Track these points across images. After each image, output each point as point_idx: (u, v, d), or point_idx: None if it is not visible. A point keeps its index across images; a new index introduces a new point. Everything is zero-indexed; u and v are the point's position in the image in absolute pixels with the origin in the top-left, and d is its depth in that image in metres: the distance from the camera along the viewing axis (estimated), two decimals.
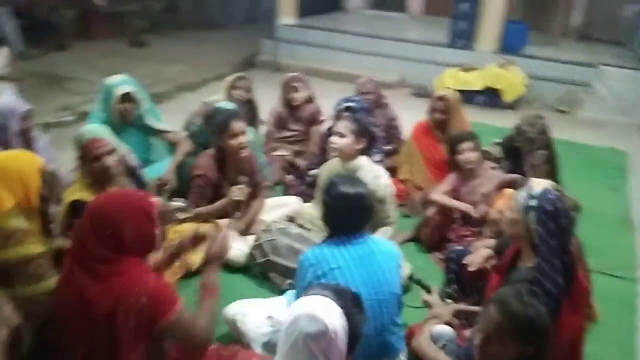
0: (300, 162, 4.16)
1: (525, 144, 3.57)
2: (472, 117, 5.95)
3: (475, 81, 6.99)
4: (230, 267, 3.04)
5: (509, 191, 3.05)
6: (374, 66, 7.79)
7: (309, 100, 4.33)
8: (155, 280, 1.88)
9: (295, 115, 4.31)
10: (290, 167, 4.19)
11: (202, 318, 1.96)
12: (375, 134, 3.31)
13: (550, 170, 3.69)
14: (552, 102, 7.16)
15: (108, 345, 1.80)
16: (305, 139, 4.35)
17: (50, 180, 2.22)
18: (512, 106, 6.86)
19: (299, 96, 4.21)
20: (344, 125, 3.02)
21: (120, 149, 2.76)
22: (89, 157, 2.58)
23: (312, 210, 3.23)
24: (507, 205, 2.39)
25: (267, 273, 2.95)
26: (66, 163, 3.04)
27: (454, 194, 3.42)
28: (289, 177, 4.06)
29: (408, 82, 7.81)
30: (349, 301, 1.50)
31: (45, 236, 2.22)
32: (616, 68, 7.03)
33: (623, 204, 4.40)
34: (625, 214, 4.22)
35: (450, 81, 7.05)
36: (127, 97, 3.35)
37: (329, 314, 1.44)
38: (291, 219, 3.33)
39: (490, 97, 6.94)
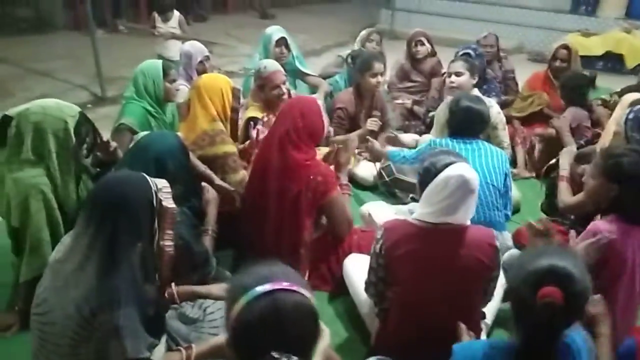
0: (419, 109, 4.63)
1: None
2: None
3: (595, 46, 6.96)
4: (360, 185, 3.65)
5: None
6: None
7: (432, 54, 4.77)
8: (325, 165, 2.60)
9: (418, 67, 4.77)
10: (410, 114, 4.67)
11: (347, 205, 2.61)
12: (484, 72, 3.78)
13: None
14: None
15: (292, 214, 2.51)
16: (425, 90, 4.79)
17: (238, 96, 2.94)
18: (634, 71, 6.75)
19: (422, 49, 4.67)
20: (459, 65, 3.51)
21: None
22: (271, 84, 3.21)
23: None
24: (613, 121, 2.85)
25: (393, 189, 3.52)
26: None
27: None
28: (408, 123, 4.57)
29: (526, 49, 7.90)
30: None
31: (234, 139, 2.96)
32: None
33: None
34: None
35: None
36: (281, 42, 4.06)
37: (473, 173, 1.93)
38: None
39: (611, 62, 6.90)
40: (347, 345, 2.26)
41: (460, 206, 1.87)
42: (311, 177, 2.47)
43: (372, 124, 3.66)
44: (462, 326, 1.79)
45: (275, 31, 4.09)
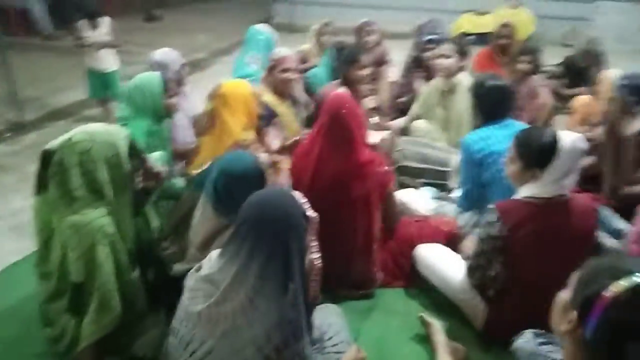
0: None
1: (592, 62, 4.29)
2: None
3: (489, 23, 7.55)
4: None
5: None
6: (387, 19, 8.26)
7: (378, 42, 4.85)
8: (381, 157, 2.55)
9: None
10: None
11: None
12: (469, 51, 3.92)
13: None
14: (558, 38, 7.86)
15: (363, 212, 2.42)
16: (374, 78, 4.85)
17: (261, 102, 2.75)
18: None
19: (372, 39, 4.72)
20: (447, 48, 3.60)
21: None
22: (281, 66, 3.13)
23: (424, 124, 3.81)
24: (606, 89, 3.11)
25: (399, 177, 3.55)
26: None
27: None
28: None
29: None
30: None
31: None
32: (612, 2, 7.77)
33: None
34: None
35: (467, 25, 7.66)
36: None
37: None
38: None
39: None
40: (455, 334, 2.24)
41: (571, 172, 1.97)
42: (377, 168, 2.43)
43: (369, 101, 3.64)
44: None
45: (272, 32, 4.06)
